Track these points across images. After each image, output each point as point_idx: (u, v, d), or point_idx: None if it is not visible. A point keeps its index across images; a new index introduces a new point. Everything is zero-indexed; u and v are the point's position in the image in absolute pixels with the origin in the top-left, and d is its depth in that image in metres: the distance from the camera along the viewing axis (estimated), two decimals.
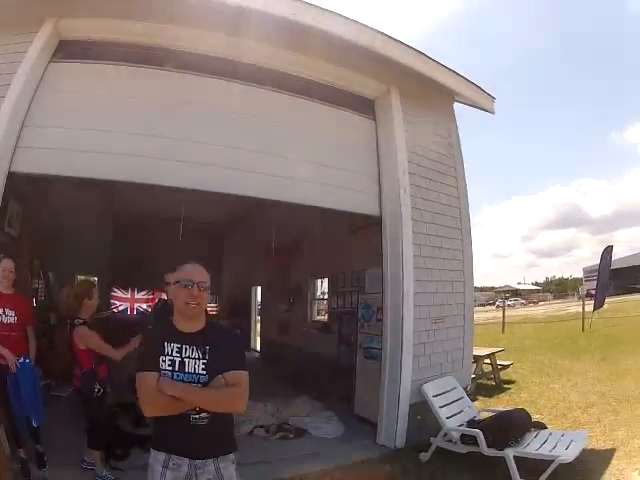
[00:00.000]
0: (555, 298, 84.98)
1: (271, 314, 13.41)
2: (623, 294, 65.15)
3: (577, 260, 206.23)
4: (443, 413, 5.59)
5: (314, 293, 10.98)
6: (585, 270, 29.69)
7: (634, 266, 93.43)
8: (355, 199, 6.24)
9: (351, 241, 7.93)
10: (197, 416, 2.43)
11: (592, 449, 5.52)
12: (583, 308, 20.30)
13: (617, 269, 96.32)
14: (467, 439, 5.19)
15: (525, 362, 11.79)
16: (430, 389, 5.90)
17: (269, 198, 5.76)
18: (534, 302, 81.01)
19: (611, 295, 72.55)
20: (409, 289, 6.01)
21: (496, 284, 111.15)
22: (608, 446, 5.63)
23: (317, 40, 5.45)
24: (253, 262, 13.91)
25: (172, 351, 2.48)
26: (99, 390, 4.47)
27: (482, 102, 7.11)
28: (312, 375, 8.49)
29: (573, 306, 21.46)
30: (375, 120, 6.61)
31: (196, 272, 2.59)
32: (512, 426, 5.06)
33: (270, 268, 12.42)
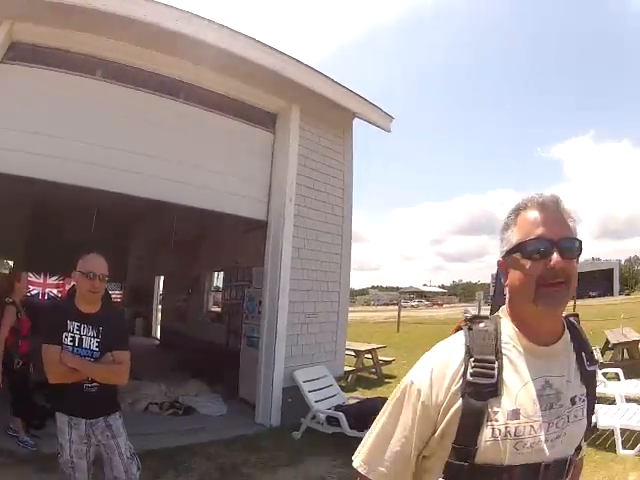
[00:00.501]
0: (461, 301, 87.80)
1: (171, 303, 13.79)
2: None
3: (488, 266, 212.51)
4: (312, 397, 6.32)
5: (210, 285, 11.54)
6: (492, 276, 31.37)
7: None
8: (246, 205, 6.77)
9: (244, 240, 8.43)
10: (89, 385, 2.92)
11: None
12: (479, 311, 21.76)
13: None
14: (332, 421, 5.90)
15: (412, 359, 12.54)
16: (301, 375, 6.64)
17: (167, 201, 6.19)
18: (438, 304, 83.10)
19: None
20: (285, 286, 6.66)
21: (404, 285, 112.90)
22: None
23: (226, 59, 5.88)
24: (157, 253, 14.21)
25: (73, 329, 2.93)
26: (18, 362, 5.00)
27: (380, 121, 7.77)
28: (205, 361, 9.00)
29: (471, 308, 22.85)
30: (274, 133, 7.11)
31: (98, 265, 3.02)
32: (373, 411, 5.85)
33: (172, 259, 12.77)
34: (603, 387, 7.01)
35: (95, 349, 2.95)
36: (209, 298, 11.53)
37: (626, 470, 4.85)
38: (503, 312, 1.36)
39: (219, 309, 10.86)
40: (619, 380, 7.54)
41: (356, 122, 7.93)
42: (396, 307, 27.43)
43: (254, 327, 7.42)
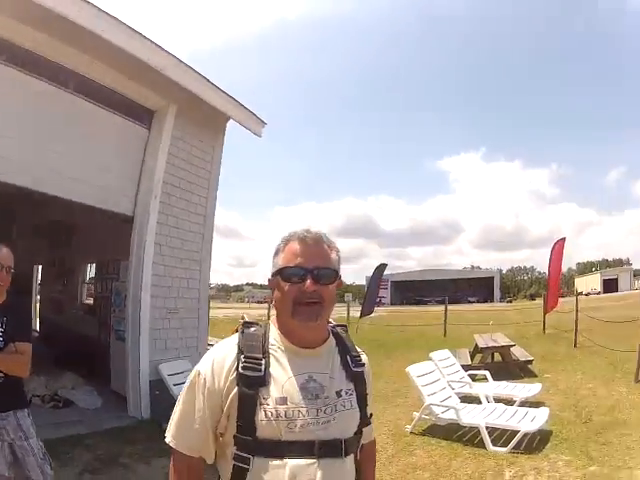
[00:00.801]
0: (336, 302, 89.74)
1: (49, 294, 13.37)
2: (409, 304, 71.32)
3: (364, 268, 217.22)
4: (176, 390, 6.36)
5: (84, 277, 11.41)
6: (367, 279, 32.30)
7: (422, 280, 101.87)
8: (115, 199, 6.81)
9: (115, 233, 8.25)
10: None
11: None
12: (348, 313, 22.71)
13: (407, 282, 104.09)
14: None
15: None
16: (165, 369, 6.93)
17: (35, 189, 5.89)
18: None
19: (398, 304, 77.86)
20: (147, 281, 6.83)
21: None
22: None
23: (112, 52, 5.88)
24: (35, 241, 13.74)
25: None
26: None
27: (253, 126, 8.07)
28: (79, 354, 9.00)
29: (351, 310, 23.60)
30: (149, 130, 7.19)
31: (3, 256, 3.08)
32: None
33: (49, 249, 12.50)
34: (468, 388, 7.58)
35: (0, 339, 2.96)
36: (83, 290, 11.40)
37: (501, 466, 5.31)
38: (272, 320, 1.69)
39: (92, 302, 10.76)
40: (487, 381, 8.14)
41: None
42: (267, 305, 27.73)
43: (121, 321, 7.53)
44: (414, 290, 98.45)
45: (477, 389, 7.42)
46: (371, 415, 1.76)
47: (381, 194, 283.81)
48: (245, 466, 1.49)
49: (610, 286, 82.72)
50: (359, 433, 1.67)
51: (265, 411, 1.48)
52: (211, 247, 8.07)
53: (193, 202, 7.64)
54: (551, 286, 20.04)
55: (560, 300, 20.14)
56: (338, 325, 1.82)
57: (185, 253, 7.55)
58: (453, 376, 7.88)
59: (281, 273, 1.59)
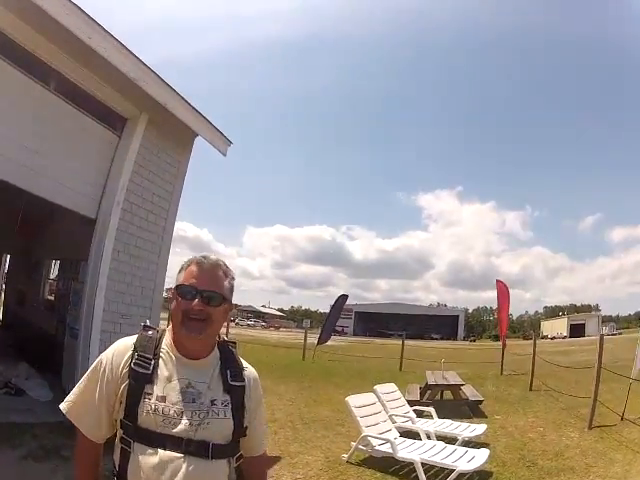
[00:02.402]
0: (298, 327, 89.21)
1: (14, 286, 13.54)
2: (372, 336, 71.23)
3: (329, 296, 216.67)
4: None
5: (48, 273, 11.48)
6: (330, 306, 32.56)
7: (387, 313, 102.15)
8: (80, 201, 6.87)
9: (81, 233, 8.16)
10: None
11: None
12: (305, 339, 22.58)
13: (371, 313, 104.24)
14: None
15: None
16: None
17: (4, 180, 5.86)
18: (275, 327, 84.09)
19: (361, 335, 77.80)
20: (102, 284, 6.86)
21: (243, 303, 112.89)
22: (276, 454, 6.55)
23: (98, 62, 6.03)
24: (7, 229, 13.68)
25: None
26: None
27: (219, 144, 8.20)
28: (36, 346, 9.17)
29: (310, 337, 23.52)
30: (120, 137, 7.29)
31: None
32: None
33: (19, 241, 12.53)
34: (410, 423, 7.57)
35: None
36: (46, 286, 11.46)
37: None
38: (169, 328, 1.91)
39: (53, 298, 10.84)
40: (432, 418, 8.12)
41: None
42: (232, 324, 27.83)
43: (76, 319, 7.56)
44: (378, 322, 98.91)
45: (419, 425, 7.43)
46: (246, 428, 1.91)
47: (353, 224, 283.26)
48: (128, 449, 1.71)
49: (577, 331, 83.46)
50: (235, 442, 1.86)
51: (146, 404, 1.71)
52: (168, 258, 8.14)
53: (154, 213, 7.70)
54: (501, 326, 20.98)
55: (522, 342, 20.51)
56: (228, 342, 2.02)
57: (141, 261, 7.60)
58: (397, 410, 7.89)
59: (177, 289, 1.83)
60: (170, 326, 1.91)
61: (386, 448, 6.22)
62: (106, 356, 1.85)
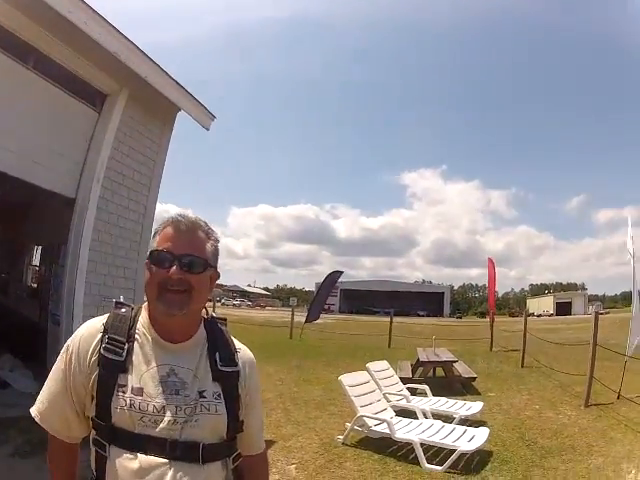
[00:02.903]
0: (284, 306, 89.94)
1: None
2: (358, 313, 71.68)
3: (315, 274, 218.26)
4: None
5: (31, 260, 11.21)
6: (317, 285, 32.53)
7: (372, 290, 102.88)
8: (58, 180, 6.62)
9: (62, 216, 7.94)
10: None
11: None
12: (292, 318, 22.48)
13: (356, 290, 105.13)
14: None
15: None
16: None
17: None
18: (261, 306, 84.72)
19: (347, 313, 78.73)
20: (83, 266, 6.63)
21: (228, 282, 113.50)
22: (270, 438, 6.28)
23: (77, 36, 5.76)
24: None
25: None
26: None
27: (202, 119, 7.96)
28: (19, 336, 8.81)
29: (297, 316, 23.40)
30: (99, 113, 7.01)
31: None
32: None
33: (0, 226, 12.20)
34: (406, 402, 7.40)
35: None
36: (29, 272, 11.22)
37: None
38: (145, 305, 1.60)
39: (36, 285, 10.60)
40: (427, 396, 7.98)
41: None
42: (217, 304, 27.65)
43: (58, 305, 7.25)
44: (363, 299, 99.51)
45: (414, 403, 7.29)
46: (242, 422, 1.62)
47: (337, 203, 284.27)
48: (103, 453, 1.42)
49: (563, 309, 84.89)
50: (231, 440, 1.57)
51: (120, 399, 1.42)
52: (150, 237, 7.77)
53: (135, 190, 7.47)
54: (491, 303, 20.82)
55: (510, 319, 20.63)
56: (217, 318, 1.71)
57: (123, 241, 7.37)
58: (390, 388, 7.73)
59: (151, 256, 1.53)
60: (146, 303, 1.59)
61: (383, 428, 6.05)
62: (72, 342, 1.54)
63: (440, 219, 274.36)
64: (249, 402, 1.65)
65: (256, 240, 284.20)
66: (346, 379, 6.57)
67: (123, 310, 1.57)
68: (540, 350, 16.05)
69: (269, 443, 6.16)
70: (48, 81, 6.34)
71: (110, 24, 6.02)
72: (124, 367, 1.45)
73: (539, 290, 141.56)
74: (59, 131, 6.61)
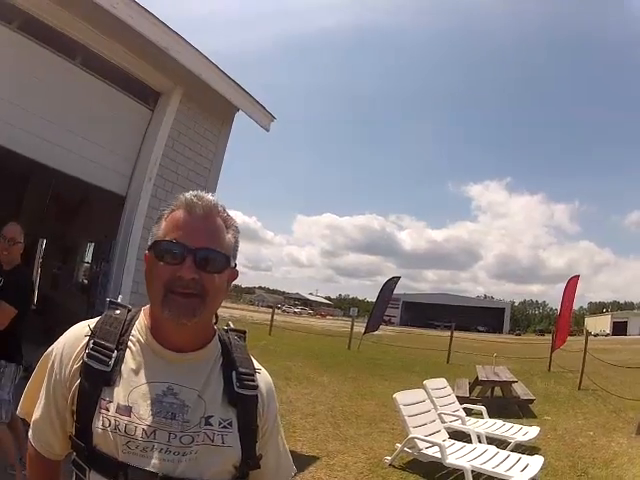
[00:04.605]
0: (344, 315, 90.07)
1: (48, 269, 13.40)
2: (418, 326, 71.17)
3: (378, 285, 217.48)
4: None
5: (83, 256, 11.28)
6: (380, 290, 32.22)
7: (434, 304, 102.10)
8: (112, 178, 6.58)
9: (115, 214, 8.20)
10: None
11: (295, 451, 5.75)
12: (352, 328, 21.94)
13: (418, 303, 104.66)
14: None
15: (272, 365, 12.54)
16: None
17: (37, 160, 5.81)
18: (321, 314, 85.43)
19: (407, 325, 78.20)
20: (131, 265, 6.50)
21: (291, 290, 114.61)
22: (314, 453, 6.11)
23: (125, 32, 5.66)
24: (41, 216, 13.70)
25: None
26: None
27: (261, 119, 7.69)
28: (64, 330, 8.84)
29: (357, 326, 22.94)
30: (153, 111, 6.91)
31: (7, 229, 3.90)
32: None
33: (53, 225, 12.30)
34: (460, 423, 7.08)
35: None
36: (80, 269, 11.29)
37: None
38: (145, 308, 1.30)
39: (86, 281, 10.63)
40: (483, 418, 7.67)
41: None
42: (278, 311, 27.68)
43: (103, 302, 7.19)
44: (425, 312, 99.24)
45: (470, 426, 6.92)
46: (261, 457, 1.29)
47: (403, 213, 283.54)
48: (84, 478, 1.16)
49: (619, 329, 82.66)
50: (241, 478, 1.24)
51: (103, 418, 1.14)
52: None
53: (190, 190, 7.18)
54: (561, 323, 19.55)
55: (568, 338, 19.62)
56: (234, 330, 1.40)
57: None
58: (446, 408, 7.37)
59: (154, 247, 1.22)
60: (147, 306, 1.30)
61: (434, 452, 5.67)
62: (56, 347, 1.28)
63: (504, 233, 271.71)
64: (267, 434, 1.34)
65: (320, 249, 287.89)
66: (401, 397, 6.21)
67: (117, 312, 1.29)
68: (596, 371, 15.54)
69: (312, 459, 5.91)
70: (103, 80, 6.35)
71: (157, 18, 5.86)
72: (110, 379, 1.16)
73: (597, 308, 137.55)
74: (113, 129, 6.57)
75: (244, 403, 1.26)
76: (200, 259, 1.16)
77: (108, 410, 1.14)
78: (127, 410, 1.14)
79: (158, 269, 1.19)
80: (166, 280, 1.16)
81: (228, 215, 1.29)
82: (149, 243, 1.24)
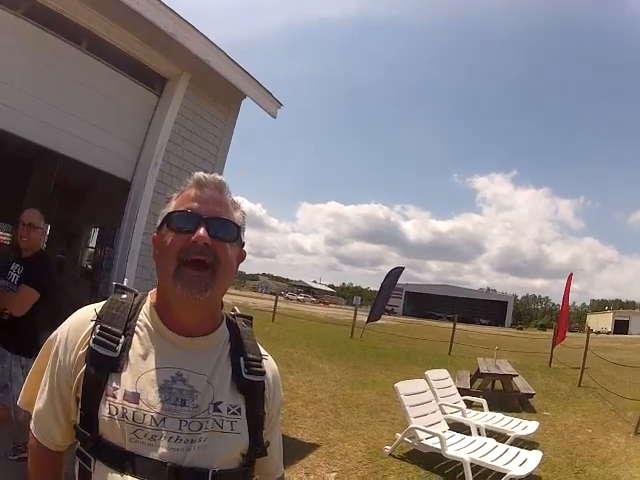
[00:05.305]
0: (348, 304, 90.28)
1: (54, 255, 13.44)
2: (421, 317, 71.18)
3: (381, 274, 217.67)
4: None
5: (87, 240, 11.31)
6: (383, 280, 32.24)
7: (436, 295, 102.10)
8: (117, 163, 6.58)
9: (120, 200, 8.19)
10: (4, 314, 3.68)
11: (295, 439, 6.01)
12: (355, 316, 22.06)
13: (421, 294, 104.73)
14: None
15: (275, 351, 12.60)
16: None
17: (45, 145, 5.87)
18: (325, 302, 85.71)
19: (410, 315, 78.40)
20: (135, 250, 6.50)
21: (294, 278, 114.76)
22: (314, 441, 6.12)
23: (132, 18, 5.63)
24: (47, 200, 13.72)
25: (13, 267, 3.81)
26: None
27: (268, 106, 7.65)
28: (66, 315, 8.86)
29: (360, 315, 22.98)
30: (159, 97, 6.91)
31: (25, 214, 3.87)
32: None
33: (58, 209, 12.34)
34: (461, 415, 7.08)
35: (14, 283, 3.70)
36: (84, 254, 11.32)
37: None
38: (152, 292, 1.31)
39: (90, 266, 10.74)
40: (483, 410, 7.67)
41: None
42: (281, 298, 27.72)
43: (107, 286, 7.32)
44: (427, 303, 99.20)
45: (470, 418, 6.94)
46: (268, 444, 1.30)
47: (408, 204, 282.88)
48: (87, 468, 1.13)
49: (621, 327, 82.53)
50: (248, 465, 1.23)
51: (110, 405, 1.12)
52: None
53: None
54: (562, 319, 19.54)
55: (568, 334, 19.53)
56: (241, 315, 1.40)
57: None
58: (447, 399, 7.36)
59: (167, 220, 1.23)
60: (154, 290, 1.30)
61: (434, 443, 5.68)
62: (60, 332, 1.26)
63: (508, 226, 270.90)
64: (272, 420, 1.36)
65: (325, 237, 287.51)
66: (403, 387, 6.21)
67: (124, 296, 1.29)
68: (596, 369, 15.63)
69: (312, 447, 5.92)
70: (109, 66, 6.34)
71: (164, 4, 5.84)
72: (117, 365, 1.15)
73: (599, 306, 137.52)
74: (119, 114, 6.57)
75: (252, 389, 1.26)
76: (213, 227, 1.18)
77: (115, 397, 1.12)
78: (135, 397, 1.13)
79: (170, 241, 1.19)
80: (179, 249, 1.16)
81: (235, 200, 1.31)
82: (158, 223, 1.26)
